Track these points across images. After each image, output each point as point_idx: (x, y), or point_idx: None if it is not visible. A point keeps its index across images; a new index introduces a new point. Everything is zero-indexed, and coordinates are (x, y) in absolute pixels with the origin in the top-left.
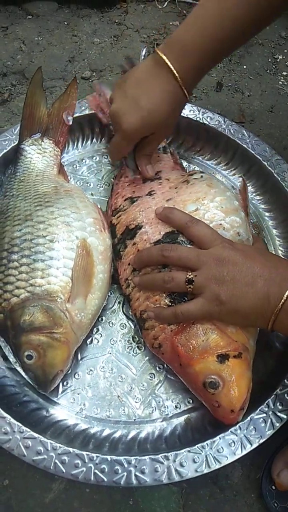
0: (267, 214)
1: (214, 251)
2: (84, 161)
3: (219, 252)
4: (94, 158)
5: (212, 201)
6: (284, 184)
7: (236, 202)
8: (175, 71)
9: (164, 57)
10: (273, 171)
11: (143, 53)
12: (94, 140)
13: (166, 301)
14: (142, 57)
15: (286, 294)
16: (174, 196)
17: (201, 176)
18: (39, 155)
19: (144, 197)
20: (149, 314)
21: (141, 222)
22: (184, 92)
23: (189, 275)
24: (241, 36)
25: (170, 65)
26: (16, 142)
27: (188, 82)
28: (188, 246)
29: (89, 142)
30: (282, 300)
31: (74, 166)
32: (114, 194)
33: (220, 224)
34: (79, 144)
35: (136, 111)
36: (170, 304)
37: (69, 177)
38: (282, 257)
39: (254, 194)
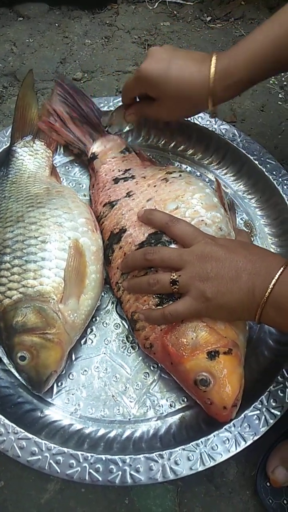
0: (258, 212)
1: (197, 248)
2: (76, 162)
3: (201, 249)
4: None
5: (192, 198)
6: (275, 183)
7: (216, 199)
8: (213, 73)
9: (214, 56)
10: (264, 170)
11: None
12: None
13: (154, 301)
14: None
15: (271, 286)
16: (153, 195)
17: (180, 175)
18: (30, 157)
19: (123, 199)
20: (139, 317)
21: (124, 225)
22: (208, 94)
23: (173, 276)
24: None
25: (213, 64)
26: (8, 144)
27: (217, 90)
28: (172, 246)
29: (74, 157)
30: (267, 293)
31: (67, 167)
32: (93, 203)
33: (202, 220)
34: (67, 150)
35: (162, 64)
36: (158, 303)
37: (61, 179)
38: (266, 249)
39: (245, 193)
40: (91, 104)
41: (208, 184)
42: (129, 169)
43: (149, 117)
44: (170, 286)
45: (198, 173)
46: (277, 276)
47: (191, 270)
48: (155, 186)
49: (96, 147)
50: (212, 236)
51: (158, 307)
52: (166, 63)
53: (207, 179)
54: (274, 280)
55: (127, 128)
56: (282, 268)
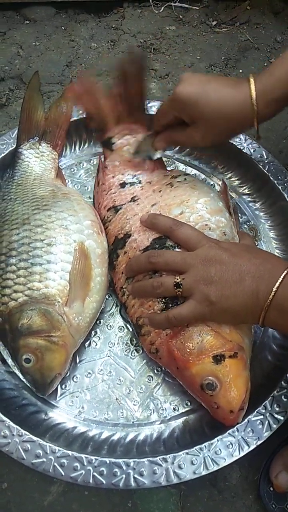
0: (263, 216)
1: (200, 252)
2: (81, 164)
3: (205, 252)
4: (92, 161)
5: (197, 202)
6: (280, 187)
7: (221, 203)
8: (253, 91)
9: (251, 77)
10: (269, 174)
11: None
12: (92, 143)
13: (159, 306)
14: None
15: (274, 289)
16: (158, 200)
17: (185, 179)
18: (36, 159)
19: (127, 204)
20: (144, 321)
21: (129, 230)
22: (254, 115)
23: (177, 279)
24: None
25: (252, 83)
26: (14, 146)
27: (262, 109)
28: (176, 250)
29: (86, 145)
30: (270, 296)
31: (72, 169)
32: (96, 205)
33: (206, 224)
34: (77, 147)
35: (199, 87)
36: (164, 308)
37: (66, 181)
38: (270, 252)
39: (250, 197)
40: (143, 90)
41: (214, 187)
42: (136, 175)
43: (180, 144)
44: (173, 289)
45: (203, 177)
46: (280, 279)
47: (195, 273)
48: (160, 191)
49: (116, 132)
50: (216, 240)
51: (163, 312)
52: (202, 86)
53: (211, 183)
54: (277, 283)
55: (157, 156)
56: (285, 271)
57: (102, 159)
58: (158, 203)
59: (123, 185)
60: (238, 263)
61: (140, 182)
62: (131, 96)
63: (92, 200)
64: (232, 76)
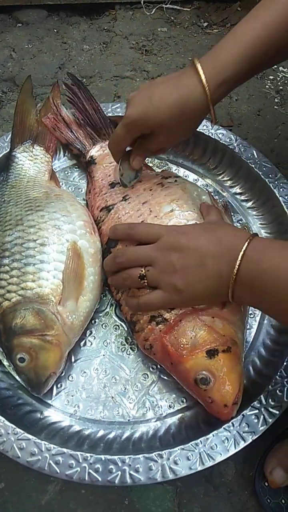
0: (255, 215)
1: (160, 242)
2: (75, 167)
3: (164, 241)
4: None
5: (186, 202)
6: (271, 186)
7: (210, 203)
8: (202, 74)
9: (196, 61)
10: (260, 173)
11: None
12: None
13: None
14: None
15: (236, 267)
16: (149, 199)
17: (175, 180)
18: (30, 162)
19: (119, 203)
20: (122, 303)
21: (121, 223)
22: (207, 99)
23: (141, 271)
24: (276, 57)
25: (199, 68)
26: (8, 150)
27: (214, 92)
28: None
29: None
30: (233, 275)
31: (66, 172)
32: (89, 207)
33: (196, 222)
34: (67, 150)
35: (144, 102)
36: None
37: (61, 183)
38: (230, 225)
39: (242, 196)
40: (96, 106)
41: (204, 189)
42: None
43: (154, 153)
44: (139, 281)
45: (196, 177)
46: (240, 256)
47: (158, 264)
48: (150, 190)
49: (95, 151)
50: (175, 226)
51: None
52: (147, 99)
53: (204, 183)
54: (238, 261)
55: (139, 175)
56: (244, 247)
57: (88, 177)
58: (149, 201)
59: (112, 185)
60: (197, 246)
61: (130, 182)
62: (90, 115)
63: (85, 202)
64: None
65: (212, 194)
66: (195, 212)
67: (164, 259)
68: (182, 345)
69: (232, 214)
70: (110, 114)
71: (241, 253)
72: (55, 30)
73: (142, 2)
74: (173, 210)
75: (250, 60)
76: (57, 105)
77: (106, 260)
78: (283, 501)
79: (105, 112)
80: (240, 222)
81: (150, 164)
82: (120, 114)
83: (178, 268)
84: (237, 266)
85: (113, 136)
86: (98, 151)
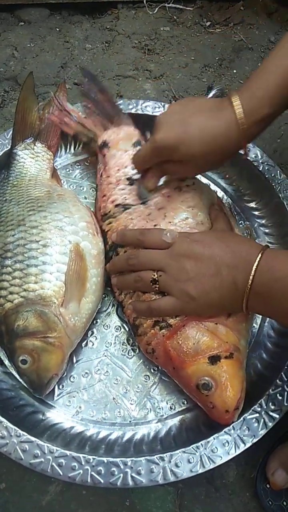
0: (258, 216)
1: (173, 249)
2: (77, 165)
3: (177, 249)
4: (87, 161)
5: (201, 211)
6: (274, 187)
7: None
8: (237, 112)
9: (235, 97)
10: (264, 173)
11: (213, 91)
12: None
13: None
14: (212, 96)
15: (251, 278)
16: (165, 204)
17: (193, 183)
18: (32, 160)
19: (137, 206)
20: (129, 307)
21: (130, 228)
22: (239, 137)
23: (154, 275)
24: None
25: (233, 98)
26: (9, 147)
27: (249, 131)
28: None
29: (81, 146)
30: (248, 285)
31: (67, 169)
32: (101, 196)
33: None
34: (72, 148)
35: (179, 130)
36: None
37: (62, 181)
38: (242, 236)
39: (245, 196)
40: (110, 97)
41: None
42: None
43: (172, 174)
44: (150, 285)
45: (198, 176)
46: (255, 266)
47: (170, 271)
48: (169, 196)
49: (107, 135)
50: (187, 233)
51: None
52: (182, 127)
53: (205, 182)
54: (253, 272)
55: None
56: (258, 258)
57: (100, 160)
58: (165, 207)
59: (131, 181)
60: (212, 255)
61: None
62: (104, 108)
63: (87, 200)
64: (215, 98)
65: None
66: (207, 221)
67: (177, 266)
68: (184, 351)
69: (235, 213)
70: None
71: (256, 263)
72: (58, 29)
73: (144, 1)
74: (187, 218)
75: (284, 95)
76: (60, 101)
77: (115, 260)
78: (284, 503)
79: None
80: (242, 223)
81: None
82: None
83: (192, 275)
84: (251, 277)
85: (139, 155)
86: (111, 135)
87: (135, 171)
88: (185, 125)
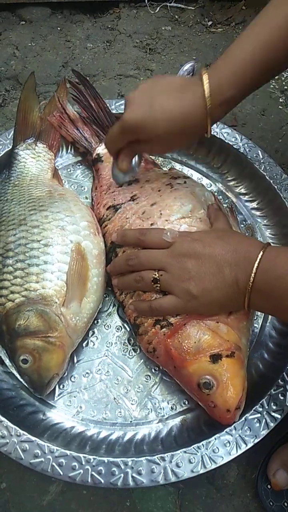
0: (260, 215)
1: (174, 249)
2: (78, 165)
3: (178, 248)
4: (88, 162)
5: (197, 208)
6: (276, 187)
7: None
8: (207, 91)
9: (204, 74)
10: (265, 173)
11: (187, 67)
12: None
13: None
14: (184, 72)
15: (252, 276)
16: (158, 200)
17: (185, 182)
18: (33, 159)
19: (127, 203)
20: (130, 307)
21: (130, 228)
22: (204, 118)
23: (155, 275)
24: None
25: (205, 83)
26: (10, 147)
27: (214, 112)
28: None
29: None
30: (250, 283)
31: (68, 170)
32: (95, 204)
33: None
34: (73, 148)
35: (144, 109)
36: None
37: (63, 181)
38: (242, 234)
39: (247, 196)
40: (102, 104)
41: (210, 191)
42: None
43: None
44: (151, 284)
45: (199, 176)
46: (256, 264)
47: (171, 270)
48: (159, 190)
49: (101, 149)
50: (188, 232)
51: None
52: (148, 107)
53: (207, 182)
54: (254, 269)
55: (131, 175)
56: (260, 255)
57: (94, 174)
58: (158, 203)
59: (121, 184)
60: (213, 254)
61: (137, 181)
62: (96, 113)
63: (88, 200)
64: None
65: (216, 194)
66: (205, 219)
67: (178, 265)
68: (185, 349)
69: (237, 213)
70: (114, 111)
71: (257, 261)
72: (59, 28)
73: (146, 1)
74: (184, 216)
75: (253, 76)
76: (62, 103)
77: (115, 261)
78: (285, 503)
79: (109, 109)
80: (244, 223)
81: None
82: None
83: (194, 274)
84: (253, 274)
85: (109, 134)
86: (104, 149)
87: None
88: (151, 106)
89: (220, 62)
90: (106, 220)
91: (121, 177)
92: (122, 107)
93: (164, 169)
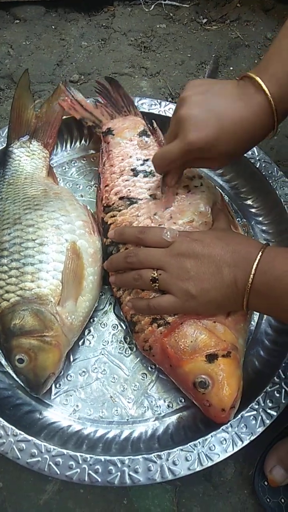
0: (255, 213)
1: (173, 247)
2: (73, 162)
3: (177, 247)
4: (83, 159)
5: (206, 212)
6: (271, 184)
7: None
8: (267, 91)
9: (257, 78)
10: (261, 171)
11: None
12: (83, 141)
13: None
14: (209, 70)
15: (251, 277)
16: (173, 204)
17: (201, 184)
18: (27, 158)
19: (144, 200)
20: (128, 304)
21: (129, 226)
22: (274, 117)
23: (153, 274)
24: None
25: (263, 85)
26: (5, 145)
27: (279, 112)
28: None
29: (77, 143)
30: (249, 284)
31: (63, 168)
32: (104, 185)
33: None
34: (68, 145)
35: (212, 125)
36: None
37: (58, 179)
38: (241, 234)
39: (242, 193)
40: (125, 93)
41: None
42: (147, 160)
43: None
44: (150, 283)
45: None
46: (255, 265)
47: (170, 270)
48: (177, 194)
49: (112, 123)
50: (186, 232)
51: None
52: (216, 121)
53: None
54: (253, 270)
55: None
56: (259, 256)
57: (103, 147)
58: (170, 209)
59: (135, 172)
60: (212, 254)
61: (153, 175)
62: (116, 101)
63: (83, 198)
64: (227, 80)
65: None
66: (210, 221)
67: (177, 265)
68: (182, 348)
69: (233, 211)
70: None
71: (256, 262)
72: (53, 27)
73: None
74: (193, 220)
75: None
76: (71, 91)
77: (113, 258)
78: (282, 500)
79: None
80: (240, 220)
81: None
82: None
83: (193, 274)
84: (252, 275)
85: (165, 154)
86: (116, 123)
87: (140, 161)
88: (219, 120)
89: (269, 65)
90: (116, 210)
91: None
92: None
93: None
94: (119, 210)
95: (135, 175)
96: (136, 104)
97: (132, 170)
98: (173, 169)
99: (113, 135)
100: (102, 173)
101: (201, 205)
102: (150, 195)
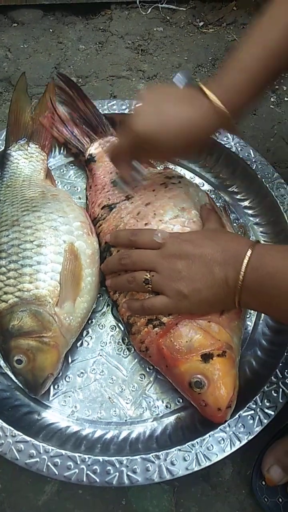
0: (252, 214)
1: (165, 249)
2: (71, 165)
3: (168, 249)
4: (81, 162)
5: (190, 208)
6: (268, 185)
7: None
8: (213, 95)
9: (204, 87)
10: (256, 172)
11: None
12: None
13: None
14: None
15: (241, 275)
16: (152, 200)
17: (179, 182)
18: (25, 160)
19: (121, 203)
20: (123, 306)
21: (123, 229)
22: (224, 112)
23: (146, 275)
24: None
25: (208, 91)
26: (2, 148)
27: (227, 120)
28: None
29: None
30: (240, 282)
31: (61, 170)
32: (90, 203)
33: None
34: (66, 149)
35: (156, 119)
36: None
37: (56, 182)
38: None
39: (239, 195)
40: (90, 105)
41: (204, 191)
42: None
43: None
44: (143, 285)
45: (192, 175)
46: (245, 263)
47: (162, 271)
48: (154, 190)
49: (93, 149)
50: (178, 232)
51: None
52: (158, 118)
53: (199, 181)
54: (243, 267)
55: (141, 177)
56: (249, 254)
57: (88, 174)
58: (152, 203)
59: (114, 183)
60: (203, 254)
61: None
62: (85, 114)
63: (81, 200)
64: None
65: (209, 193)
66: (198, 219)
67: (169, 266)
68: (177, 349)
69: (229, 212)
70: (106, 112)
71: (246, 259)
72: (51, 30)
73: (137, 2)
74: (178, 216)
75: (257, 86)
76: (53, 103)
77: (108, 261)
78: (280, 499)
79: (101, 110)
80: (237, 222)
81: None
82: (116, 112)
83: (184, 275)
84: (242, 273)
85: (116, 148)
86: (96, 148)
87: (119, 174)
88: (162, 116)
89: (220, 75)
90: (101, 220)
91: (125, 188)
92: (115, 107)
93: (158, 168)
94: (104, 218)
95: (114, 185)
96: (133, 107)
97: (112, 182)
98: (124, 160)
99: (95, 161)
100: (89, 195)
101: (182, 198)
102: (126, 197)
